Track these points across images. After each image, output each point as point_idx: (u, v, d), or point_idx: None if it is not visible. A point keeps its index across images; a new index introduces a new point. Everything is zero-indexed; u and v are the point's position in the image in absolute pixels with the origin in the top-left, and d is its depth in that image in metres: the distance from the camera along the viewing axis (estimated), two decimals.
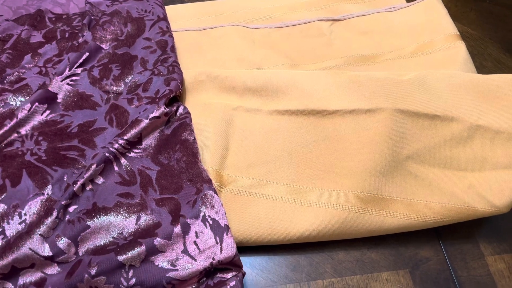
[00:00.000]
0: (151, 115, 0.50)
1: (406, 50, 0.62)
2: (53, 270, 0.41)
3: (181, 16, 0.65)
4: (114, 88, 0.54)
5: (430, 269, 0.48)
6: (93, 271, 0.40)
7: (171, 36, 0.59)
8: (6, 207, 0.44)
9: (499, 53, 0.67)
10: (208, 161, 0.50)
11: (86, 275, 0.40)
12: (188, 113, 0.52)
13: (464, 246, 0.50)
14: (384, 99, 0.52)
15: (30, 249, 0.41)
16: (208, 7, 0.66)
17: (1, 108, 0.51)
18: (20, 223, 0.43)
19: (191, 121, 0.52)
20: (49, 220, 0.43)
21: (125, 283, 0.41)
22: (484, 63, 0.66)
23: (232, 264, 0.42)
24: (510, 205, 0.47)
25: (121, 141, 0.49)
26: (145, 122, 0.50)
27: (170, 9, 0.65)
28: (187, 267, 0.41)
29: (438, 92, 0.52)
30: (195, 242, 0.42)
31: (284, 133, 0.52)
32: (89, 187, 0.46)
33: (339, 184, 0.49)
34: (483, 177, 0.49)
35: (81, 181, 0.45)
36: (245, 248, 0.48)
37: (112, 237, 0.43)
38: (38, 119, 0.51)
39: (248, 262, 0.48)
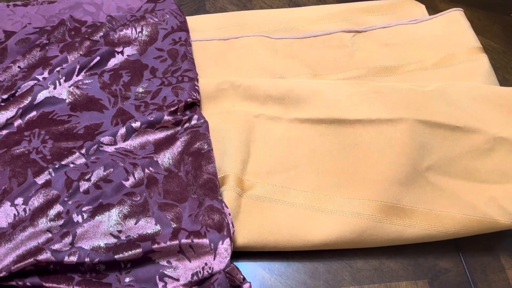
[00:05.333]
0: (158, 124, 0.52)
1: (428, 62, 0.62)
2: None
3: (207, 26, 0.66)
4: (123, 92, 0.56)
5: (449, 280, 0.48)
6: (90, 261, 0.43)
7: (183, 45, 0.60)
8: (10, 203, 0.46)
9: None
10: (230, 167, 0.51)
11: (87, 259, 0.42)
12: (204, 122, 0.53)
13: (484, 259, 0.49)
14: (406, 109, 0.52)
15: (37, 242, 0.43)
16: (232, 18, 0.68)
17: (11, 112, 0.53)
18: (25, 217, 0.45)
19: (207, 130, 0.53)
20: (51, 214, 0.45)
21: (120, 274, 0.43)
22: (507, 76, 0.66)
23: (229, 274, 0.43)
24: None
25: (127, 147, 0.51)
26: (152, 130, 0.52)
27: (195, 19, 0.67)
28: (181, 266, 0.43)
29: (460, 103, 0.52)
30: (191, 246, 0.44)
31: (305, 141, 0.53)
32: (96, 185, 0.47)
33: (359, 193, 0.49)
34: (505, 189, 0.49)
35: (90, 181, 0.47)
36: (264, 253, 0.49)
37: (111, 234, 0.44)
38: (46, 119, 0.53)
39: (267, 267, 0.48)
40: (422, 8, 0.70)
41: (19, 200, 0.46)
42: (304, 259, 0.49)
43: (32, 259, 0.41)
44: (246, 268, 0.48)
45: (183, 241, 0.43)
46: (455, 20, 0.66)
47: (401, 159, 0.50)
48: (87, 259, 0.42)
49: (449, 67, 0.61)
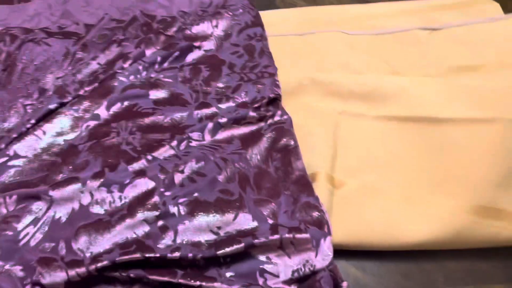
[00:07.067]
0: (243, 121, 0.52)
1: (508, 62, 0.61)
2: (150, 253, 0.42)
3: (280, 21, 0.66)
4: (204, 88, 0.56)
5: None
6: (193, 257, 0.42)
7: (259, 40, 0.60)
8: (106, 189, 0.46)
9: None
10: (319, 164, 0.50)
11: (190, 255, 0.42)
12: (288, 118, 0.53)
13: None
14: (498, 109, 0.51)
15: (134, 232, 0.43)
16: (305, 13, 0.67)
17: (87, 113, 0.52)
18: (121, 205, 0.45)
19: (292, 126, 0.52)
20: (148, 204, 0.44)
21: (220, 269, 0.43)
22: None
23: (332, 272, 0.42)
24: None
25: (215, 142, 0.50)
26: (238, 126, 0.51)
27: (268, 14, 0.66)
28: (281, 263, 0.42)
29: None
30: (291, 242, 0.43)
31: (393, 138, 0.52)
32: (190, 177, 0.47)
33: (454, 193, 0.48)
34: None
35: (183, 173, 0.47)
36: (357, 252, 0.48)
37: (211, 231, 0.44)
38: (131, 112, 0.52)
39: (359, 267, 0.48)
40: (497, 6, 0.68)
41: (115, 187, 0.46)
42: (397, 259, 0.48)
43: (138, 254, 0.41)
44: (339, 267, 0.47)
45: (285, 236, 0.43)
46: None
47: (495, 160, 0.49)
48: (190, 255, 0.42)
49: None
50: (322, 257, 0.43)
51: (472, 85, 0.54)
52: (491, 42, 0.63)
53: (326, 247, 0.43)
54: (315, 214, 0.45)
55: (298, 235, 0.43)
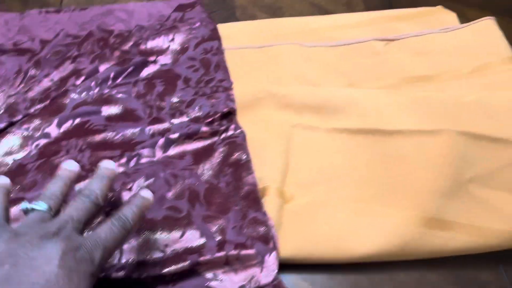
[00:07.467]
0: (195, 136, 0.52)
1: (463, 72, 0.62)
2: None
3: (238, 33, 0.66)
4: (157, 103, 0.56)
5: None
6: (138, 276, 0.42)
7: (215, 54, 0.60)
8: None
9: None
10: (270, 178, 0.51)
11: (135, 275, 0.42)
12: (242, 132, 0.53)
13: None
14: (447, 120, 0.52)
15: None
16: (264, 25, 0.67)
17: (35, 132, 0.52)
18: None
19: (245, 140, 0.53)
20: (95, 224, 0.44)
21: (166, 287, 0.43)
22: None
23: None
24: None
25: (166, 158, 0.50)
26: (190, 141, 0.52)
27: (226, 27, 0.67)
28: (227, 279, 0.43)
29: (501, 115, 0.52)
30: (237, 258, 0.44)
31: (344, 151, 0.53)
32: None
33: (402, 205, 0.49)
34: None
35: (131, 191, 0.47)
36: (306, 266, 0.48)
37: (157, 249, 0.44)
38: (81, 129, 0.53)
39: (309, 280, 0.48)
40: (453, 16, 0.70)
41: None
42: (347, 272, 0.48)
43: None
44: (289, 281, 0.48)
45: (230, 252, 0.43)
46: (488, 28, 0.66)
47: (443, 171, 0.49)
48: (134, 274, 0.42)
49: (484, 76, 0.61)
50: (267, 273, 0.43)
51: (423, 96, 0.55)
52: (446, 52, 0.64)
53: (271, 263, 0.43)
54: (262, 229, 0.45)
55: (243, 251, 0.43)
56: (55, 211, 0.37)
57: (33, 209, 0.36)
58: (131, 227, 0.38)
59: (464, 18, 0.71)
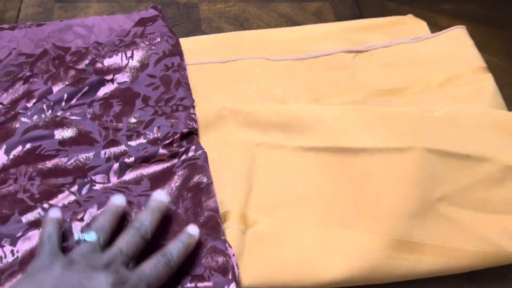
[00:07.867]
0: (153, 159, 0.50)
1: (433, 83, 0.60)
2: None
3: (203, 47, 0.64)
4: (114, 124, 0.53)
5: None
6: None
7: (176, 71, 0.57)
8: None
9: None
10: (231, 202, 0.48)
11: None
12: (203, 153, 0.51)
13: None
14: (415, 137, 0.50)
15: None
16: (230, 38, 0.65)
17: None
18: (13, 261, 0.42)
19: (206, 162, 0.50)
20: None
21: None
22: None
23: None
24: None
25: (122, 184, 0.48)
26: (147, 164, 0.50)
27: (191, 40, 0.64)
28: None
29: (470, 131, 0.51)
30: None
31: (309, 171, 0.51)
32: (89, 226, 0.44)
33: (368, 228, 0.47)
34: None
35: (83, 221, 0.44)
36: None
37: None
38: (32, 155, 0.50)
39: None
40: (423, 25, 0.68)
41: (6, 241, 0.43)
42: None
43: None
44: None
45: (186, 285, 0.41)
46: (458, 38, 0.65)
47: (411, 190, 0.48)
48: None
49: (455, 88, 0.59)
50: None
51: (391, 112, 0.53)
52: (416, 63, 0.63)
53: None
54: (221, 259, 0.43)
55: (200, 284, 0.41)
56: (104, 243, 0.39)
57: (85, 240, 0.38)
58: (175, 265, 0.39)
59: (436, 26, 0.70)
